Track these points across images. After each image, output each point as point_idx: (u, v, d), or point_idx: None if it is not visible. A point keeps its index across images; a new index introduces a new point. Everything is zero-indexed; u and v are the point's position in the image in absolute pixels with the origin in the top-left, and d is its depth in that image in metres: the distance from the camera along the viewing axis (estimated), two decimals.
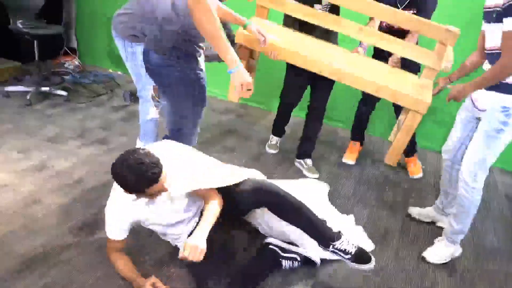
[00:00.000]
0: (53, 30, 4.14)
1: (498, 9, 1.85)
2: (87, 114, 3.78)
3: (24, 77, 4.40)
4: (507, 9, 1.79)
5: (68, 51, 5.09)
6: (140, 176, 1.59)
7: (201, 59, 2.08)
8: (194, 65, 2.01)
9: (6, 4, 3.96)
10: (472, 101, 2.17)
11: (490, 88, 1.99)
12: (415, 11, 2.69)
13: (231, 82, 1.84)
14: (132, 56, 2.34)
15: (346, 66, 2.32)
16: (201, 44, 2.02)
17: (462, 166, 2.14)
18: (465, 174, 2.12)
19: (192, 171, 1.89)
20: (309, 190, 2.81)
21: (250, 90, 1.85)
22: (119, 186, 1.68)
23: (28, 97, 3.83)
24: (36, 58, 4.08)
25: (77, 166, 2.86)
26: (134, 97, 4.09)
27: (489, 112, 2.01)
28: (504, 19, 1.81)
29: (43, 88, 4.03)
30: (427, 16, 2.64)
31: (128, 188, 1.65)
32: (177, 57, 1.94)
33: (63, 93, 4.06)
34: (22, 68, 4.55)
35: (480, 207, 2.23)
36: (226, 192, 1.92)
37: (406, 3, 2.75)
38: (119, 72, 5.00)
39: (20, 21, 3.95)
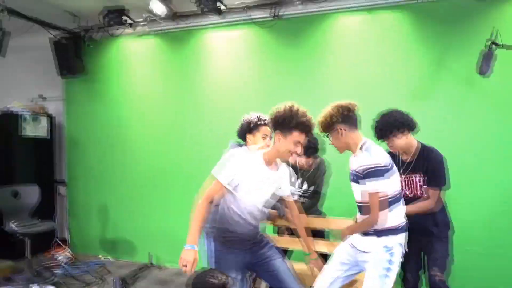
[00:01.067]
0: (45, 226, 4.26)
1: (354, 172, 2.26)
2: None
3: (15, 276, 4.31)
4: (366, 175, 2.19)
5: (60, 242, 5.17)
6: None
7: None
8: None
9: (1, 206, 4.16)
10: (351, 245, 2.37)
11: (367, 234, 2.27)
12: (422, 175, 2.66)
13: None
14: None
15: None
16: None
17: None
18: None
19: None
20: None
21: (185, 266, 2.08)
22: None
23: None
24: (27, 255, 4.09)
25: None
26: (124, 283, 4.02)
27: (374, 254, 2.23)
28: (366, 181, 2.19)
29: (33, 287, 3.93)
30: (439, 181, 2.63)
31: None
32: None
33: None
34: (14, 266, 4.50)
35: None
36: None
37: (409, 169, 2.71)
38: (110, 258, 5.02)
39: (14, 221, 4.09)
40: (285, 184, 2.49)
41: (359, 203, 2.35)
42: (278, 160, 2.40)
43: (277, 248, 2.52)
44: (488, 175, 3.53)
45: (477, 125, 3.58)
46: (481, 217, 3.51)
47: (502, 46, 3.08)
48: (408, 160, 2.69)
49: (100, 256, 5.11)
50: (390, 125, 2.55)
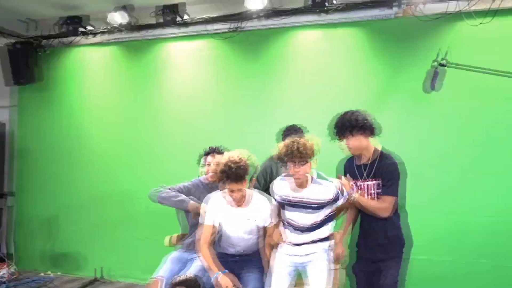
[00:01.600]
0: None
1: (319, 202, 2.45)
2: None
3: None
4: (337, 196, 2.46)
5: (3, 257, 4.93)
6: None
7: None
8: None
9: None
10: (291, 255, 2.56)
11: (315, 242, 2.54)
12: (375, 181, 2.60)
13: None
14: None
15: None
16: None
17: None
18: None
19: None
20: None
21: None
22: None
23: None
24: None
25: None
26: None
27: (318, 254, 2.53)
28: (340, 199, 2.49)
29: None
30: (391, 188, 2.56)
31: None
32: None
33: None
34: None
35: None
36: None
37: (364, 174, 2.65)
38: (58, 273, 4.82)
39: None
40: (260, 218, 2.67)
41: (310, 225, 2.51)
42: (252, 197, 2.68)
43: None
44: (437, 185, 3.65)
45: (426, 138, 3.70)
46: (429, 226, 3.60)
47: (448, 65, 3.22)
48: (363, 164, 2.62)
49: (48, 272, 4.85)
50: (350, 124, 2.52)
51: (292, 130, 3.17)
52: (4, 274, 4.64)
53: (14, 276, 4.64)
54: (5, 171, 5.30)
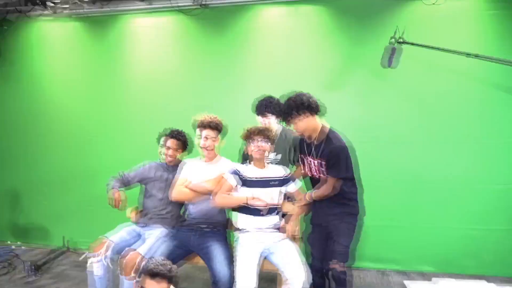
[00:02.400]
0: None
1: (281, 177, 2.88)
2: None
3: None
4: (287, 179, 2.90)
5: None
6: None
7: None
8: None
9: None
10: (258, 241, 2.76)
11: (276, 229, 2.85)
12: (320, 160, 2.74)
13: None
14: None
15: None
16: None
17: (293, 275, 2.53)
18: (299, 274, 2.55)
19: None
20: None
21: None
22: None
23: None
24: None
25: None
26: (36, 268, 3.90)
27: (284, 240, 2.79)
28: (288, 184, 2.92)
29: None
30: (333, 170, 2.67)
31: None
32: None
33: None
34: None
35: None
36: None
37: (311, 152, 2.82)
38: (20, 243, 4.84)
39: None
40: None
41: (271, 204, 2.83)
42: (221, 158, 3.08)
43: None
44: (394, 161, 3.98)
45: (383, 114, 3.99)
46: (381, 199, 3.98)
47: (405, 42, 3.40)
48: (310, 143, 2.79)
49: (8, 242, 4.86)
50: (289, 107, 2.68)
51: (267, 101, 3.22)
52: None
53: None
54: None
